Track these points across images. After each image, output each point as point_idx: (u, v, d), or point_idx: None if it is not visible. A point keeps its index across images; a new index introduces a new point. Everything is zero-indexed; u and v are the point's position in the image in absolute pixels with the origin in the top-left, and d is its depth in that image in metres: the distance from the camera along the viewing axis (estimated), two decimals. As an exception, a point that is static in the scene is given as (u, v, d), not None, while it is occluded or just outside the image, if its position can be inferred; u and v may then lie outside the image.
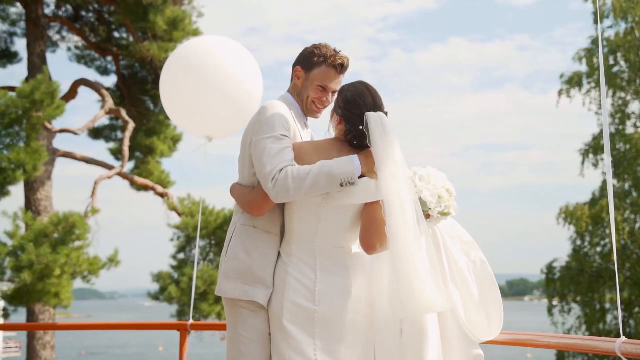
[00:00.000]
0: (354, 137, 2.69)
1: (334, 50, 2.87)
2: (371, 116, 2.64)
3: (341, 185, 2.60)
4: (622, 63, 20.60)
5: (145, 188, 13.26)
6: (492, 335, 2.81)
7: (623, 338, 2.31)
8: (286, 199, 2.62)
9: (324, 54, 2.86)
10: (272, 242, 2.78)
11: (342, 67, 2.86)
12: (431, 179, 2.77)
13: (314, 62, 2.86)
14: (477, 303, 2.81)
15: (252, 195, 2.77)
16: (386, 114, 2.70)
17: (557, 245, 24.80)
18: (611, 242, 19.61)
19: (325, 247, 2.71)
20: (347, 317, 2.67)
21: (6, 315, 11.59)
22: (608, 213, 19.72)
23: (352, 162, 2.62)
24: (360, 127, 2.65)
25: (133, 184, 13.16)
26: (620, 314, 2.29)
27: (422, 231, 2.61)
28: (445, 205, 2.77)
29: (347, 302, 2.67)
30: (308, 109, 2.92)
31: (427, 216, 2.78)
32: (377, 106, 2.69)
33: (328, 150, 2.72)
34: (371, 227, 2.64)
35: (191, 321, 4.26)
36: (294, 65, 2.94)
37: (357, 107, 2.68)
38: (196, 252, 4.36)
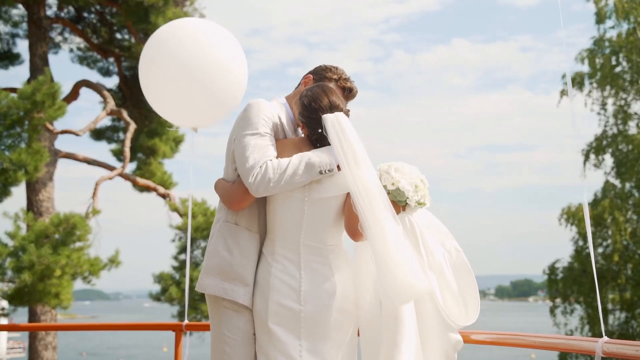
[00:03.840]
0: (316, 140, 2.76)
1: (349, 77, 2.99)
2: (328, 118, 2.69)
3: (320, 173, 2.66)
4: (624, 63, 20.58)
5: (147, 189, 13.29)
6: (469, 321, 2.88)
7: (605, 338, 2.32)
8: (266, 192, 2.66)
9: (339, 74, 2.97)
10: (254, 240, 2.81)
11: (349, 92, 2.95)
12: (405, 170, 2.86)
13: (327, 76, 2.96)
14: (454, 290, 2.89)
15: (232, 189, 2.81)
16: (347, 112, 2.76)
17: (561, 246, 24.81)
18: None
19: (310, 243, 2.74)
20: (333, 316, 2.70)
21: (6, 315, 11.64)
22: (610, 213, 19.70)
23: (329, 152, 2.70)
24: (320, 130, 2.70)
25: (135, 184, 13.19)
26: (600, 313, 2.31)
27: (397, 221, 2.66)
28: (422, 194, 2.86)
29: (332, 301, 2.69)
30: None
31: (404, 207, 2.86)
32: (333, 107, 2.74)
33: (306, 145, 2.79)
34: (355, 215, 2.67)
35: (186, 321, 4.29)
36: (306, 75, 3.02)
37: (313, 112, 2.73)
38: (187, 253, 4.34)
